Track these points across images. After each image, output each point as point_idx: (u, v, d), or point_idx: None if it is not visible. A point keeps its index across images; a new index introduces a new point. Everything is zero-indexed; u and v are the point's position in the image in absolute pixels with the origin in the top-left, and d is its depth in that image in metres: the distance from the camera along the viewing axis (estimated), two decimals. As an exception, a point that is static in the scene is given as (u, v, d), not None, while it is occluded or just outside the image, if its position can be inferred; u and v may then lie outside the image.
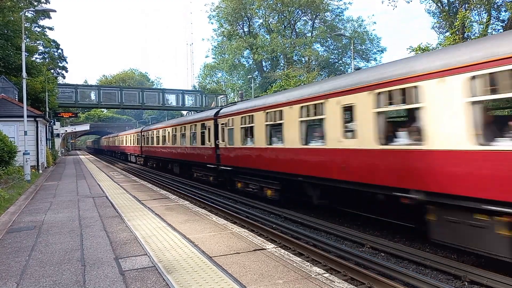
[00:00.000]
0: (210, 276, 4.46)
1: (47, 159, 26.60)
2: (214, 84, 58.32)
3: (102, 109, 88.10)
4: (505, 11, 25.64)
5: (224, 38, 50.57)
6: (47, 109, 29.04)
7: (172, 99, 45.89)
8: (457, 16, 24.89)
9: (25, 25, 22.90)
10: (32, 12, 28.74)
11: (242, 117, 13.70)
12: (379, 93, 7.60)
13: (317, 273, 4.60)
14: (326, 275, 4.57)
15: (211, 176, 17.57)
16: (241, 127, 13.74)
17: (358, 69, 9.38)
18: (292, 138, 10.54)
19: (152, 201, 10.48)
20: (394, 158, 7.32)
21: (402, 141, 7.32)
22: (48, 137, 30.23)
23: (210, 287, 4.15)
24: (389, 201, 7.69)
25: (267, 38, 47.19)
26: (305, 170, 10.02)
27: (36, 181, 16.60)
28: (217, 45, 52.90)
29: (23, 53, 18.17)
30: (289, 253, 5.62)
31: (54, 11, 20.31)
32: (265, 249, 5.62)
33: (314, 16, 48.52)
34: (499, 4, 25.77)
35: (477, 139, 5.86)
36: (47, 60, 40.82)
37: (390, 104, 7.46)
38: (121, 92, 41.78)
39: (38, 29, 38.81)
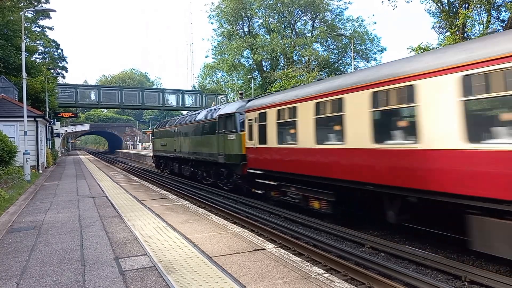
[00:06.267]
0: (210, 276, 4.45)
1: (47, 159, 26.60)
2: (214, 84, 58.22)
3: (102, 109, 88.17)
4: (505, 11, 25.61)
5: (224, 38, 50.44)
6: (47, 109, 29.04)
7: (172, 99, 45.87)
8: (458, 15, 24.88)
9: (25, 25, 22.89)
10: (32, 12, 28.73)
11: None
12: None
13: (317, 273, 4.60)
14: (326, 275, 4.57)
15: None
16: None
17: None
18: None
19: (152, 201, 10.48)
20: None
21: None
22: (48, 137, 30.21)
23: (210, 287, 4.14)
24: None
25: (267, 38, 47.07)
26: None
27: (36, 181, 16.60)
28: (217, 45, 52.75)
29: (23, 53, 18.16)
30: (289, 253, 5.62)
31: (54, 11, 20.35)
32: (265, 249, 5.61)
33: (314, 16, 48.42)
34: (499, 4, 25.76)
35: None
36: (47, 60, 40.81)
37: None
38: (121, 92, 41.74)
39: (38, 29, 38.82)
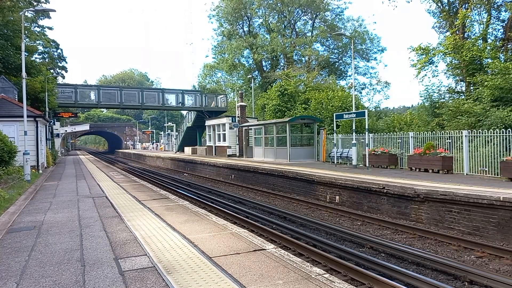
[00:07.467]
0: (210, 277, 4.45)
1: (47, 159, 26.59)
2: (214, 84, 58.19)
3: (102, 109, 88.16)
4: (505, 11, 25.58)
5: (224, 37, 50.41)
6: (47, 109, 29.00)
7: (171, 99, 45.75)
8: (458, 15, 24.87)
9: (25, 25, 22.85)
10: (31, 12, 28.71)
11: None
12: None
13: (317, 273, 4.59)
14: (326, 275, 4.56)
15: None
16: None
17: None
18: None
19: (151, 201, 10.47)
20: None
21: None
22: (48, 137, 30.19)
23: (210, 287, 4.14)
24: None
25: (267, 38, 47.03)
26: None
27: (36, 181, 16.58)
28: (217, 45, 52.71)
29: (23, 53, 18.12)
30: (289, 254, 5.61)
31: (54, 11, 20.30)
32: (265, 249, 5.61)
33: (314, 16, 48.39)
34: (499, 4, 25.73)
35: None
36: (46, 60, 40.76)
37: None
38: (120, 92, 41.66)
39: (38, 29, 38.75)
